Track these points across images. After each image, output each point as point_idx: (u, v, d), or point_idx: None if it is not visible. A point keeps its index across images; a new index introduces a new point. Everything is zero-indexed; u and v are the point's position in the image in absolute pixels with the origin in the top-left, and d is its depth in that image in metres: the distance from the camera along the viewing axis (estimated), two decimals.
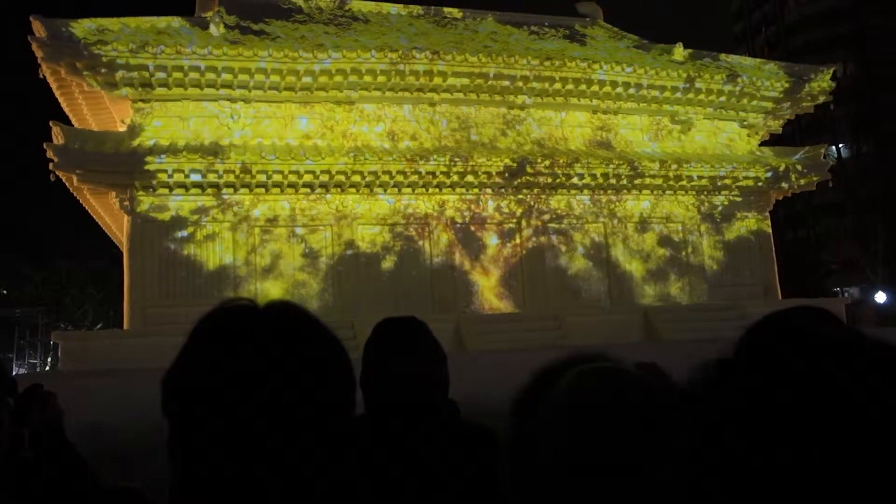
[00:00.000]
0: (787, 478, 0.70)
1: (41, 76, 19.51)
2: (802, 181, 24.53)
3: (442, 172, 20.59)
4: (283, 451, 0.98)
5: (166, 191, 19.43)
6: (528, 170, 21.21)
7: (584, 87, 22.23)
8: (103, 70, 18.84)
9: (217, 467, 0.98)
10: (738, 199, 24.31)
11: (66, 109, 21.90)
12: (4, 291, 48.56)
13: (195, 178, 19.10)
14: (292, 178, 19.69)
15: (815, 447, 0.69)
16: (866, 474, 0.69)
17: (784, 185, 24.45)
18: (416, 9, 26.97)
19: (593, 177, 21.80)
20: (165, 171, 18.81)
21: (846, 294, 49.83)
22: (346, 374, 1.09)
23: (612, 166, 21.91)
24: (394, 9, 26.32)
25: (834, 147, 46.50)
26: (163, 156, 18.82)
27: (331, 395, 1.04)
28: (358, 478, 1.04)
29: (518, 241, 22.00)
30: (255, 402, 0.98)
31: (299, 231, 20.62)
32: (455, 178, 20.79)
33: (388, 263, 21.06)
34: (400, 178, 20.43)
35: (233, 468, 0.97)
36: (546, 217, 22.27)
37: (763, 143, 26.11)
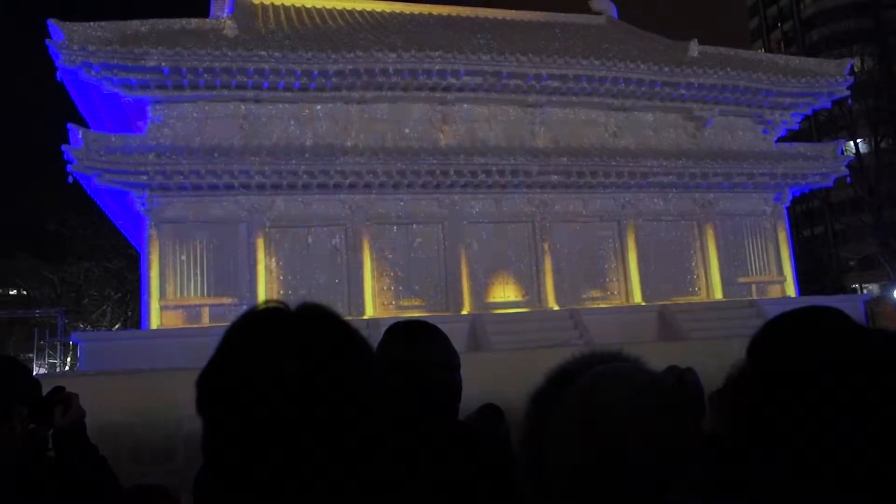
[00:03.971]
0: (791, 479, 0.71)
1: (58, 79, 19.70)
2: (819, 177, 24.32)
3: (455, 171, 20.60)
4: (313, 452, 1.01)
5: (183, 192, 19.58)
6: (542, 168, 21.17)
7: (597, 84, 22.14)
8: (119, 72, 19.01)
9: (249, 466, 1.01)
10: (754, 196, 24.13)
11: (84, 112, 22.12)
12: (24, 292, 49.07)
13: (212, 178, 19.22)
14: (307, 178, 19.78)
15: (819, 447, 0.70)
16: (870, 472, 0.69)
17: (801, 181, 24.25)
18: (426, 8, 27.00)
19: (607, 175, 21.72)
20: (182, 173, 18.96)
21: (865, 291, 49.36)
22: (374, 376, 1.12)
23: (626, 164, 21.83)
24: (405, 9, 26.35)
25: (852, 142, 46.01)
26: (180, 157, 18.96)
27: (360, 396, 1.07)
28: (373, 480, 1.06)
29: (532, 239, 21.96)
30: (288, 403, 1.01)
31: (315, 230, 20.72)
32: (468, 176, 20.79)
33: (403, 262, 21.11)
34: (413, 177, 20.46)
35: (264, 467, 1.00)
36: (560, 215, 22.22)
37: (779, 139, 25.90)
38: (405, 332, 2.45)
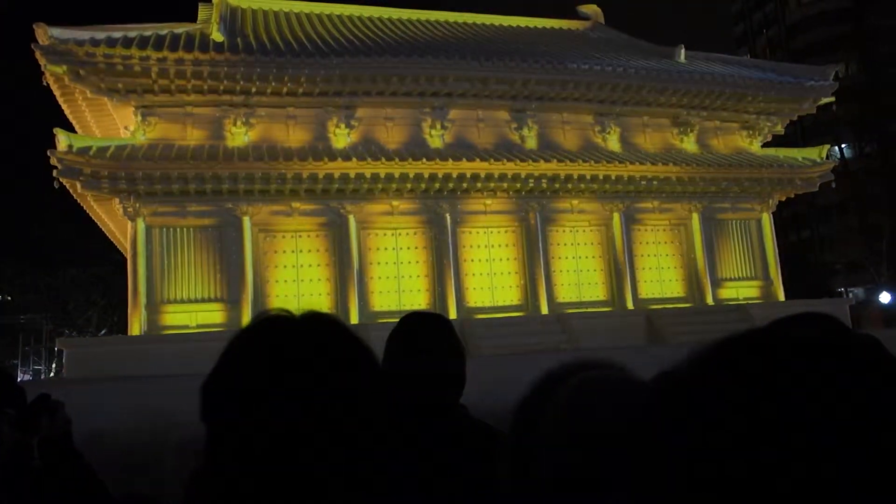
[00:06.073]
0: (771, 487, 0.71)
1: (45, 83, 19.58)
2: (805, 182, 24.52)
3: (443, 176, 20.61)
4: (319, 458, 1.01)
5: (169, 196, 19.48)
6: (531, 172, 21.22)
7: (584, 89, 22.24)
8: (106, 77, 18.91)
9: (254, 472, 1.01)
10: (741, 201, 24.30)
11: (70, 116, 21.99)
12: (9, 298, 48.64)
13: (198, 183, 19.14)
14: (294, 183, 19.74)
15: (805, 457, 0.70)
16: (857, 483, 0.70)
17: (787, 186, 24.44)
18: (414, 13, 27.04)
19: (595, 179, 21.81)
20: (168, 177, 18.87)
21: (851, 294, 49.72)
22: (377, 381, 1.13)
23: (613, 169, 21.92)
24: (392, 14, 26.39)
25: (837, 147, 46.43)
26: (165, 161, 18.87)
27: (366, 402, 1.08)
28: (375, 479, 1.07)
29: (521, 243, 22.00)
30: (294, 410, 1.02)
31: (303, 235, 20.67)
32: (455, 181, 20.81)
33: (391, 266, 21.09)
34: (401, 181, 20.46)
35: (269, 473, 1.01)
36: (549, 219, 22.28)
37: (765, 144, 26.10)
38: (414, 326, 2.56)
